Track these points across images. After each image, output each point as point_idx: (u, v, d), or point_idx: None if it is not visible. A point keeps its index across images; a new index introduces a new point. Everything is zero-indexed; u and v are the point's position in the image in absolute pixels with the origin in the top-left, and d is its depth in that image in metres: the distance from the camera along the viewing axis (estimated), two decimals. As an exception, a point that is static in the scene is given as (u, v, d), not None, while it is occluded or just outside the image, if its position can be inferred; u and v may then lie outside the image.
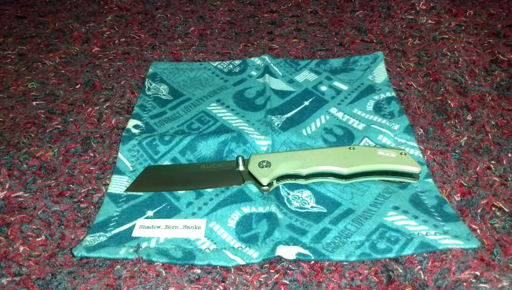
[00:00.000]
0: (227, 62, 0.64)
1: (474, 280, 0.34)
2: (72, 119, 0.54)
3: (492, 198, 0.41)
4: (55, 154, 0.48)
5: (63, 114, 0.55)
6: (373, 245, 0.38)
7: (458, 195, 0.43)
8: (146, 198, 0.44)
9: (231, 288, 0.36)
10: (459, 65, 0.58)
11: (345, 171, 0.43)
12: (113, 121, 0.54)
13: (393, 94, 0.56)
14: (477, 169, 0.45)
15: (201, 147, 0.49)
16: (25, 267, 0.38)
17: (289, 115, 0.54)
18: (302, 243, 0.39)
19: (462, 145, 0.48)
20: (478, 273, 0.34)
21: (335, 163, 0.43)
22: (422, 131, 0.51)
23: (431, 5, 0.71)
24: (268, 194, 0.44)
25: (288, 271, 0.37)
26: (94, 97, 0.58)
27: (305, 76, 0.61)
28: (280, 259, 0.38)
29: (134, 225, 0.41)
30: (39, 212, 0.42)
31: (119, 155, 0.49)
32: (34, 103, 0.57)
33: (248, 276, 0.37)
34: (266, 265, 0.38)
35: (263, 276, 0.37)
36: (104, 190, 0.45)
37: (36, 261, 0.38)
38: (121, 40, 0.71)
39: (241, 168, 0.45)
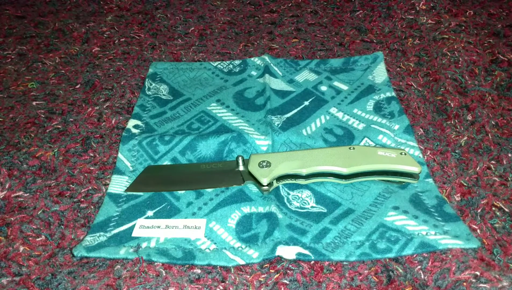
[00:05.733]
0: (227, 62, 0.64)
1: (474, 280, 0.34)
2: (72, 119, 0.54)
3: (492, 198, 0.41)
4: (55, 154, 0.48)
5: (63, 114, 0.55)
6: (373, 245, 0.38)
7: (458, 195, 0.43)
8: (146, 198, 0.44)
9: (231, 288, 0.36)
10: (459, 65, 0.58)
11: (345, 171, 0.43)
12: (113, 121, 0.54)
13: (393, 94, 0.56)
14: (477, 169, 0.45)
15: (201, 147, 0.49)
16: (25, 267, 0.38)
17: (289, 115, 0.54)
18: (302, 243, 0.39)
19: (462, 145, 0.48)
20: (478, 273, 0.34)
21: (335, 163, 0.43)
22: (422, 131, 0.51)
23: (431, 5, 0.71)
24: (268, 194, 0.44)
25: (288, 271, 0.37)
26: (94, 97, 0.58)
27: (305, 76, 0.61)
28: (280, 259, 0.38)
29: (134, 225, 0.41)
30: (39, 212, 0.42)
31: (119, 155, 0.49)
32: (34, 103, 0.57)
33: (248, 276, 0.37)
34: (266, 265, 0.38)
35: (263, 276, 0.37)
36: (104, 190, 0.45)
37: (36, 261, 0.38)
38: (121, 40, 0.71)
39: (241, 168, 0.45)
